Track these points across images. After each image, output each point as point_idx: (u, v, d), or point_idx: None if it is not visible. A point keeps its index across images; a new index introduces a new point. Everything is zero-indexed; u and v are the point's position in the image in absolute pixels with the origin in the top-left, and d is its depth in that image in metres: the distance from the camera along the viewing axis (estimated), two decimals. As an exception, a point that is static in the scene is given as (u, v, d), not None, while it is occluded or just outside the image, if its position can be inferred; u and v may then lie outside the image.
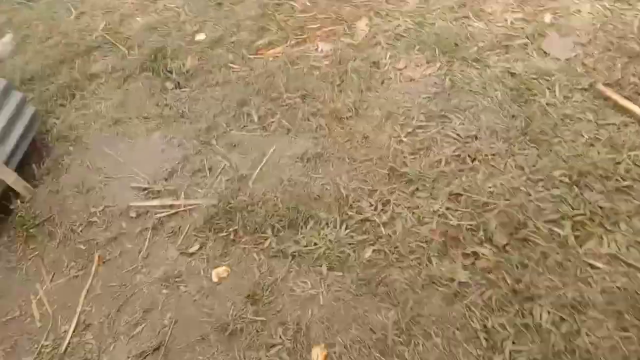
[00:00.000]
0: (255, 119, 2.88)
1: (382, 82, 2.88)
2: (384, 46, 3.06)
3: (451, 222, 2.18)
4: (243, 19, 3.63)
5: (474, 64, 2.77)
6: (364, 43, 3.14)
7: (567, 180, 2.19)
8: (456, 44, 2.89)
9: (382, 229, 2.22)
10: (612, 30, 2.71)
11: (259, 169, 2.60)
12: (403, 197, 2.31)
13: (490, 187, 2.25)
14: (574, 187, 2.16)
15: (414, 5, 3.27)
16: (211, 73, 3.29)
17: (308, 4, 3.59)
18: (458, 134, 2.48)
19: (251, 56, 3.33)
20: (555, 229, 2.07)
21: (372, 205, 2.31)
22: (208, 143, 2.80)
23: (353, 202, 2.33)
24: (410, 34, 3.07)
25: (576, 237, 2.03)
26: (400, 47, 3.01)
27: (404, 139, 2.54)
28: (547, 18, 2.89)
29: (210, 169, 2.67)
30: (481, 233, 2.12)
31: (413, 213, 2.25)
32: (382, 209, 2.29)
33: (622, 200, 2.09)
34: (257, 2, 3.73)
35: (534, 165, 2.28)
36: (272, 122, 2.84)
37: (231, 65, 3.30)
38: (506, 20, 2.97)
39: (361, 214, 2.29)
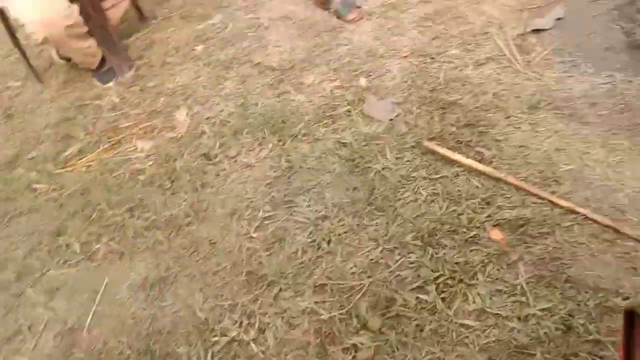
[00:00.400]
0: (77, 249, 2.58)
1: (218, 175, 2.81)
2: (210, 135, 3.03)
3: (323, 317, 2.15)
4: (41, 129, 3.32)
5: (305, 139, 2.86)
6: (188, 135, 3.07)
7: (419, 242, 2.32)
8: (283, 122, 2.96)
9: (253, 346, 2.10)
10: (422, 84, 3.02)
11: (92, 312, 2.31)
12: (267, 303, 2.23)
13: (351, 268, 2.30)
14: (428, 247, 2.30)
15: (232, 88, 3.30)
16: (12, 201, 2.92)
17: (115, 100, 3.42)
18: (307, 218, 2.50)
19: (60, 171, 3.04)
20: (422, 296, 2.16)
21: (236, 322, 2.18)
22: (22, 295, 2.42)
23: (214, 324, 2.18)
24: (234, 118, 3.08)
25: (443, 299, 2.14)
26: (228, 133, 2.99)
27: (254, 235, 2.48)
28: (363, 82, 3.13)
29: (30, 328, 2.29)
30: (354, 321, 2.13)
31: (282, 318, 2.17)
32: (248, 323, 2.17)
33: (473, 251, 2.28)
34: (53, 107, 3.45)
35: (385, 235, 2.38)
36: (99, 248, 2.57)
37: (36, 186, 2.97)
38: (325, 89, 3.14)
39: (226, 335, 2.14)
